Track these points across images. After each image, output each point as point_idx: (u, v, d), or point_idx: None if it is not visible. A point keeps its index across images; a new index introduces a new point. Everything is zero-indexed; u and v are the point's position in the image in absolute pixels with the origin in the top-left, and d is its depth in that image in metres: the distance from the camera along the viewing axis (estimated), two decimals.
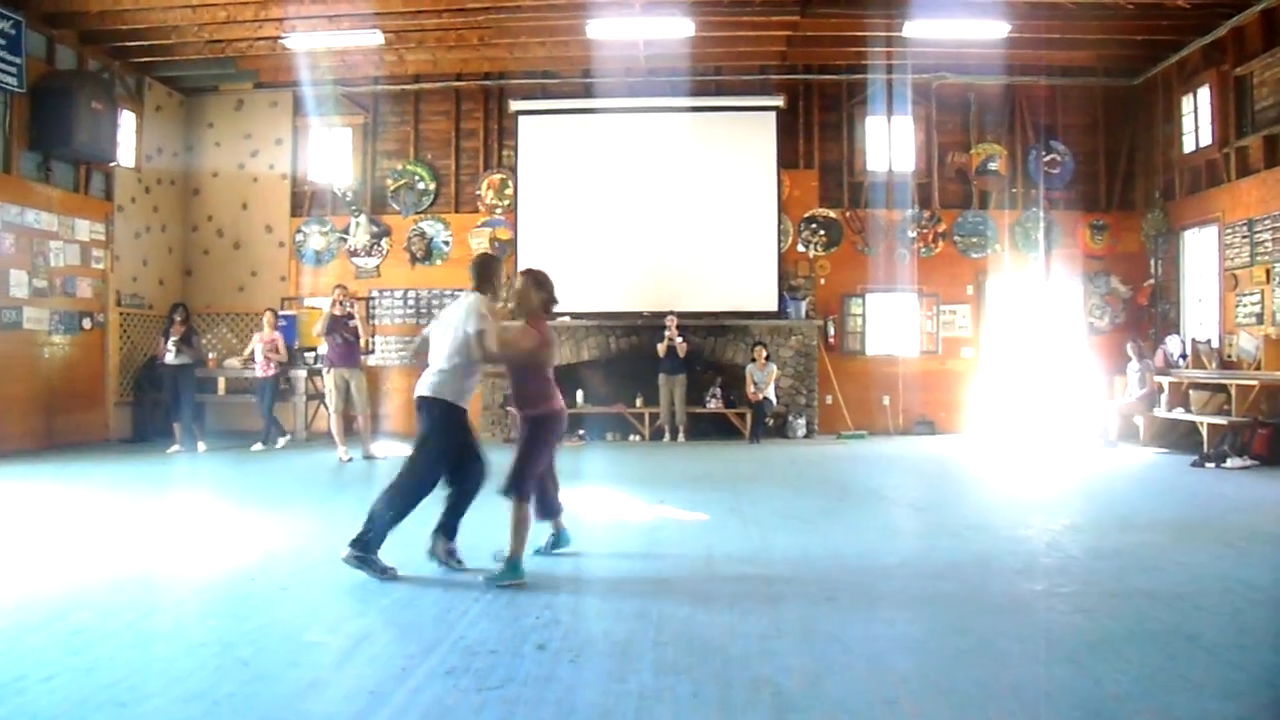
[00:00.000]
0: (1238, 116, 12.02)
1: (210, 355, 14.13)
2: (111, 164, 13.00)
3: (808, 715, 3.34)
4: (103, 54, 12.87)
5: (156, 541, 6.55)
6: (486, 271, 5.73)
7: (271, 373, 12.32)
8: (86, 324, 12.67)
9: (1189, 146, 13.17)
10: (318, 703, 3.51)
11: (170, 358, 11.88)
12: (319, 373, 13.08)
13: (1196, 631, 4.30)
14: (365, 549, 5.26)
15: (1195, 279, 13.38)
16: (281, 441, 12.59)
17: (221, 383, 13.71)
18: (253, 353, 12.37)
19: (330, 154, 15.14)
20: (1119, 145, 14.57)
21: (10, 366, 11.36)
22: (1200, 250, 13.21)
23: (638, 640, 4.20)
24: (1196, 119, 12.97)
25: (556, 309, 5.76)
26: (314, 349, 13.38)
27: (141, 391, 13.43)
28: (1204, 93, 12.74)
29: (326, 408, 11.84)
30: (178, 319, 12.01)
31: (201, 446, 11.87)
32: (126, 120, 13.53)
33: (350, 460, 10.97)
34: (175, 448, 11.78)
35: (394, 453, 11.71)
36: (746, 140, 14.44)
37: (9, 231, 11.32)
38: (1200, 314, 13.17)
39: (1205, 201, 12.79)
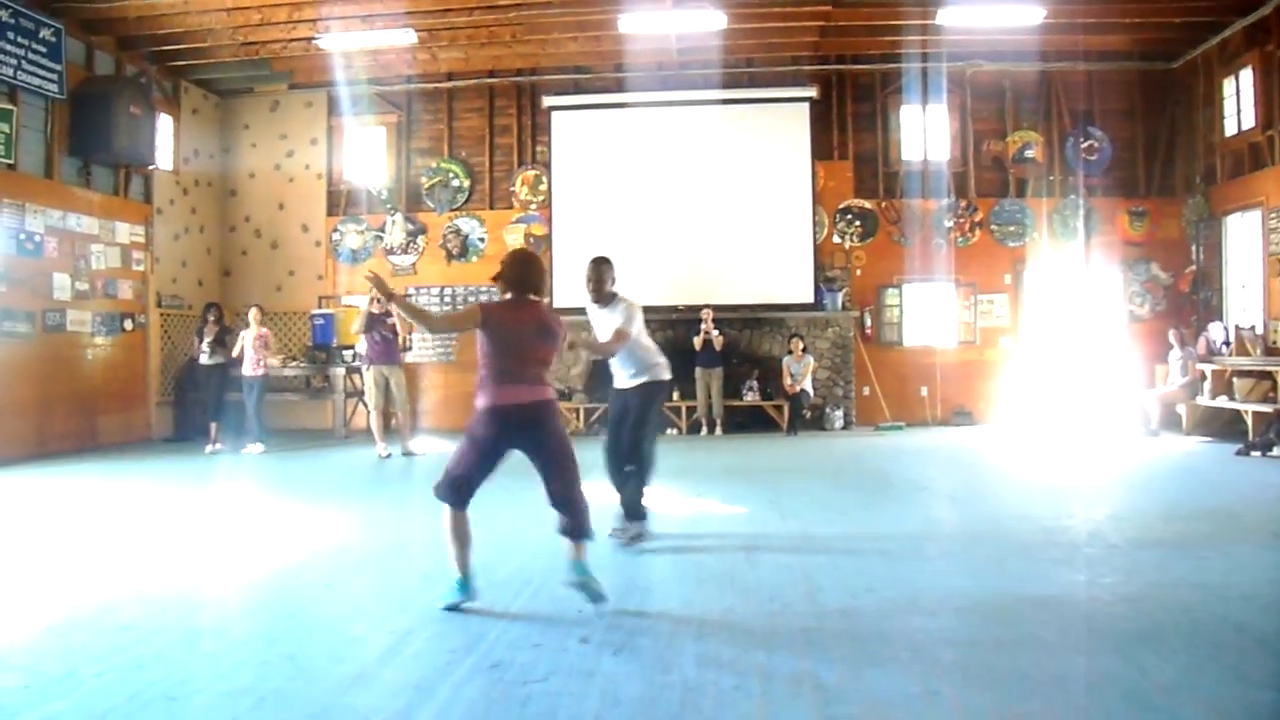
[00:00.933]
0: None
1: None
2: (150, 167, 13.16)
3: (850, 707, 3.34)
4: (140, 59, 13.03)
5: (199, 539, 6.65)
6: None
7: (260, 372, 12.01)
8: (128, 325, 12.84)
9: (1230, 130, 12.95)
10: (363, 697, 3.54)
11: (205, 358, 12.03)
12: (357, 370, 13.18)
13: (1244, 622, 4.25)
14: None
15: (1238, 265, 13.16)
16: (252, 448, 11.92)
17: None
18: (242, 350, 11.92)
19: (365, 153, 15.23)
20: (1158, 130, 14.36)
21: (55, 368, 11.54)
22: (1243, 235, 12.99)
23: (680, 633, 4.22)
24: (1239, 101, 12.74)
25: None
26: (352, 347, 13.46)
27: (182, 391, 13.59)
28: (1246, 74, 12.51)
29: (365, 405, 11.93)
30: (211, 319, 12.14)
31: (259, 447, 11.84)
32: (164, 124, 13.68)
33: (389, 457, 11.06)
34: (213, 447, 11.85)
35: (433, 449, 11.80)
36: (780, 132, 14.38)
37: (51, 235, 11.50)
38: (1243, 300, 12.96)
39: (1248, 186, 12.58)
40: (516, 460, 4.71)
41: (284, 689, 3.61)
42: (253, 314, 12.21)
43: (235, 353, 11.94)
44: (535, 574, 5.31)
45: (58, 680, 3.70)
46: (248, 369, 11.95)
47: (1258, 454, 10.06)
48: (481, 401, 4.64)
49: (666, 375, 6.42)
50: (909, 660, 3.80)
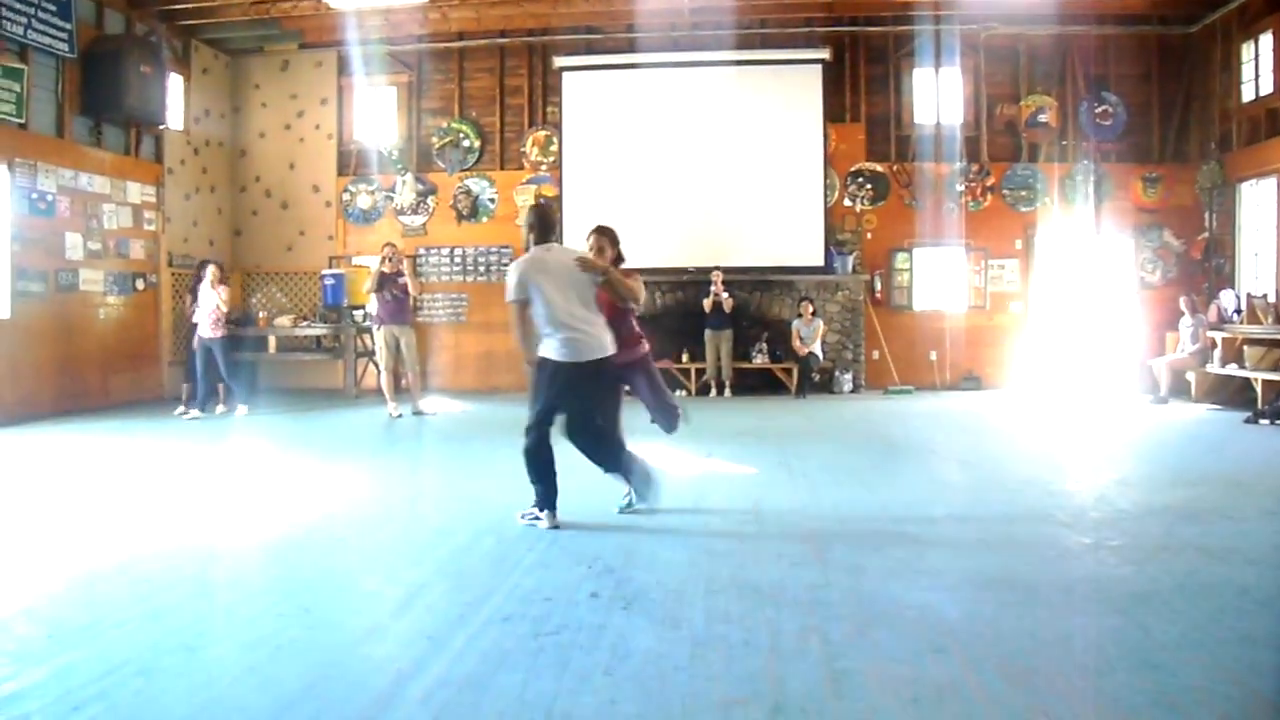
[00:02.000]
0: None
1: (261, 315, 14.34)
2: (160, 127, 13.14)
3: (857, 663, 3.40)
4: (150, 18, 12.96)
5: (215, 495, 6.72)
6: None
7: (220, 333, 11.35)
8: (140, 285, 12.89)
9: (1248, 96, 12.82)
10: (378, 648, 3.62)
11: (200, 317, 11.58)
12: (368, 330, 13.23)
13: (1247, 585, 4.29)
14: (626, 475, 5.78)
15: (1252, 232, 13.08)
16: (193, 412, 11.35)
17: (272, 341, 13.88)
18: (194, 312, 11.49)
19: (375, 113, 15.19)
20: (1173, 95, 14.23)
21: (68, 327, 11.61)
22: (1258, 203, 12.90)
23: (689, 589, 4.27)
24: (1257, 67, 12.60)
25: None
26: (363, 307, 13.49)
27: (192, 351, 13.53)
28: (1266, 39, 12.36)
29: (376, 365, 11.98)
30: (205, 276, 11.60)
31: (242, 409, 11.51)
32: (174, 83, 13.64)
33: (400, 416, 11.12)
34: (185, 410, 11.40)
35: (443, 408, 11.88)
36: (792, 94, 14.28)
37: (64, 195, 11.52)
38: (1256, 268, 12.90)
39: (1265, 152, 12.47)
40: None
41: (300, 640, 3.68)
42: (211, 273, 11.43)
43: (190, 314, 11.54)
44: (545, 532, 5.36)
45: (80, 630, 3.77)
46: (205, 330, 11.34)
47: (1266, 422, 10.06)
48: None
49: None
50: (915, 618, 3.85)
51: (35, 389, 11.04)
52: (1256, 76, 12.60)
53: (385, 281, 11.18)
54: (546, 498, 5.45)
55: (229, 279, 12.39)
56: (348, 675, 3.34)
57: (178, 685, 3.25)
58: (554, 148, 14.78)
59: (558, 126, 14.70)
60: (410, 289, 11.36)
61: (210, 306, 11.30)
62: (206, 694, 3.18)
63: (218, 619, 3.98)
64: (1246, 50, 12.81)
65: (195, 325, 11.59)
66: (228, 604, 4.20)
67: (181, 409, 11.51)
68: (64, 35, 11.14)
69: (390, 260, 11.27)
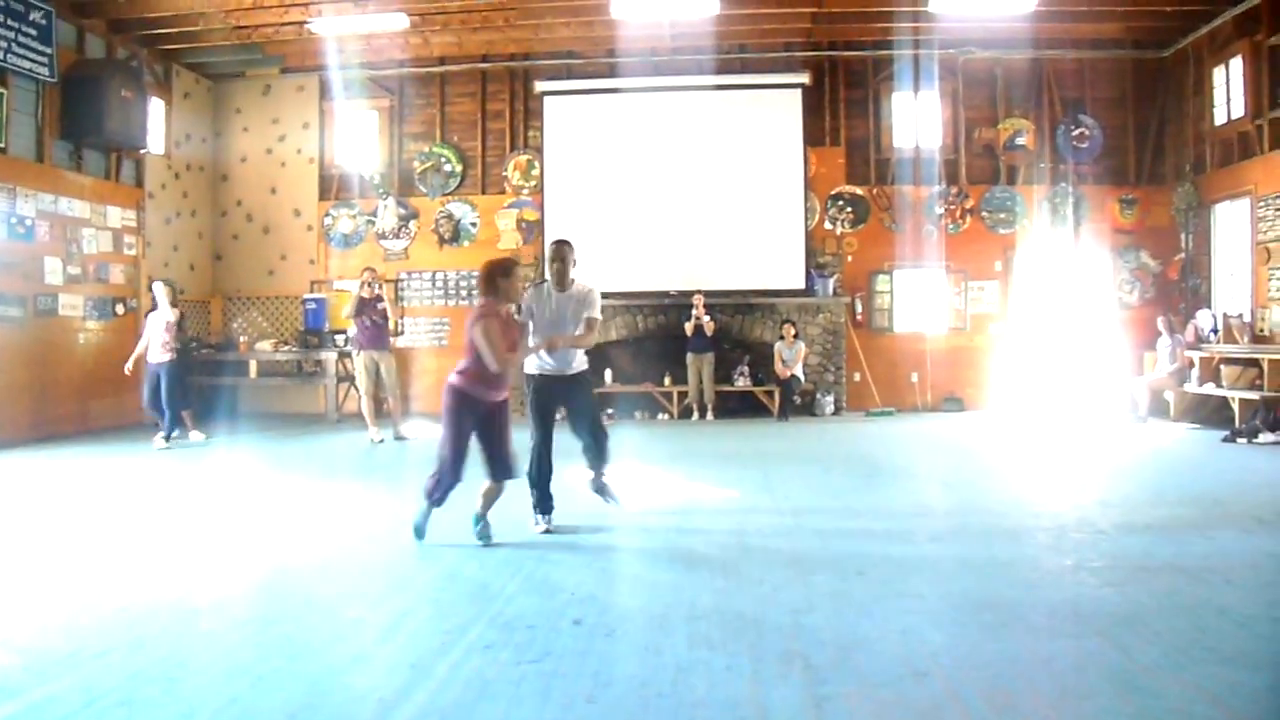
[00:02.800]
0: (1271, 87, 11.81)
1: (242, 339, 14.29)
2: (141, 151, 13.11)
3: (840, 687, 3.40)
4: (131, 42, 12.97)
5: (196, 521, 6.67)
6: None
7: (168, 357, 10.77)
8: (119, 309, 12.83)
9: (1220, 119, 13.00)
10: (361, 677, 3.60)
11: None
12: (349, 355, 13.19)
13: (1227, 605, 4.32)
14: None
15: (1226, 253, 13.23)
16: (166, 439, 10.76)
17: (253, 366, 13.84)
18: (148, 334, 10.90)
19: (357, 138, 15.21)
20: (1148, 118, 14.41)
21: (47, 352, 11.54)
22: (1232, 224, 13.05)
23: (672, 615, 4.27)
24: (1229, 91, 12.78)
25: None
26: (344, 331, 13.47)
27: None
28: (1236, 64, 12.55)
29: (357, 390, 11.95)
30: (157, 297, 11.29)
31: (197, 435, 11.28)
32: (155, 107, 13.63)
33: (382, 441, 11.09)
34: (163, 441, 10.84)
35: (425, 433, 11.83)
36: (772, 118, 14.39)
37: (43, 219, 11.47)
38: (1232, 288, 13.04)
39: (1237, 174, 12.64)
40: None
41: (283, 669, 3.66)
42: (161, 291, 10.93)
43: (141, 347, 10.82)
44: (528, 559, 5.35)
45: (59, 660, 3.74)
46: (155, 355, 10.76)
47: (1244, 441, 10.16)
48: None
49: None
50: (898, 642, 3.86)
51: (12, 415, 10.95)
52: (1228, 100, 12.77)
53: (364, 307, 11.17)
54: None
55: (179, 300, 11.74)
56: (330, 705, 3.33)
57: (159, 716, 3.22)
58: (535, 172, 14.81)
59: (539, 151, 14.74)
60: (389, 314, 11.35)
61: (160, 329, 10.74)
62: None
63: (199, 647, 3.96)
64: (1218, 74, 12.99)
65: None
66: (209, 632, 4.17)
67: (160, 439, 11.29)
68: (44, 59, 11.12)
69: (369, 285, 11.26)
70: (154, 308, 11.12)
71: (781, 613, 4.29)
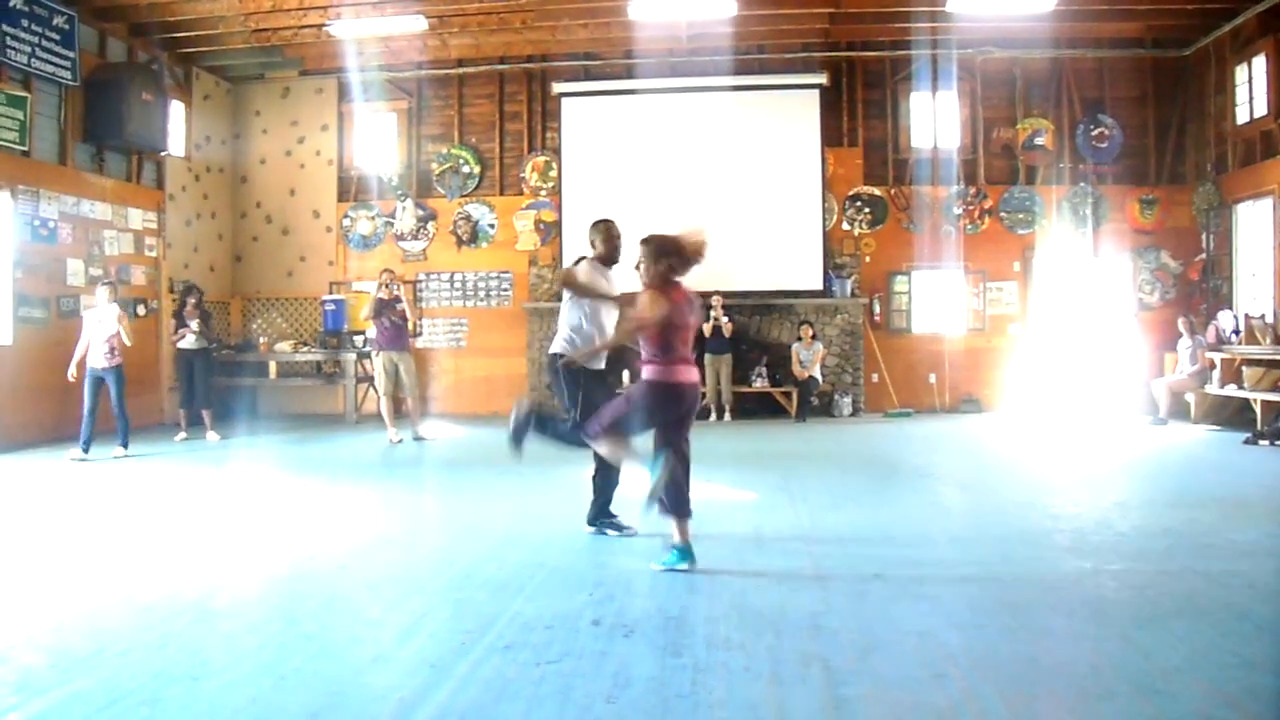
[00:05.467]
0: None
1: (262, 340, 14.38)
2: (162, 153, 13.22)
3: (858, 689, 3.40)
4: (152, 45, 13.06)
5: (217, 522, 6.73)
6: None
7: (116, 361, 10.10)
8: (141, 311, 12.92)
9: (1242, 118, 12.91)
10: (381, 676, 3.62)
11: (190, 342, 11.74)
12: (368, 356, 13.25)
13: (1248, 609, 4.30)
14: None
15: (1249, 253, 13.14)
16: (124, 447, 10.26)
17: (273, 367, 13.94)
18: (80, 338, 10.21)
19: (376, 139, 15.27)
20: (1169, 118, 14.33)
21: (70, 353, 11.50)
22: (1254, 224, 12.96)
23: (690, 616, 4.28)
24: (1251, 89, 12.69)
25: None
26: (363, 332, 13.53)
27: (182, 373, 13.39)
28: (1259, 62, 12.45)
29: (376, 390, 12.00)
30: (191, 302, 11.89)
31: (213, 436, 11.52)
32: (176, 110, 13.72)
33: (400, 442, 11.13)
34: (183, 435, 11.56)
35: (444, 434, 11.88)
36: (790, 119, 14.38)
37: (65, 222, 11.57)
38: (1254, 289, 12.95)
39: (1260, 174, 12.55)
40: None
41: (304, 668, 3.69)
42: (103, 294, 10.30)
43: (81, 352, 10.04)
44: (548, 559, 5.37)
45: (83, 659, 3.78)
46: (99, 360, 10.03)
47: (1265, 443, 10.08)
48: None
49: None
50: (916, 644, 3.86)
51: (36, 415, 11.04)
52: (1251, 99, 12.68)
53: (383, 308, 11.23)
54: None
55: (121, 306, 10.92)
56: (351, 704, 3.35)
57: (182, 716, 3.25)
58: (553, 173, 14.85)
59: (557, 152, 14.78)
60: (408, 315, 11.41)
61: (109, 332, 10.04)
62: None
63: (221, 647, 3.98)
64: (1240, 73, 12.90)
65: (182, 348, 11.78)
66: (231, 632, 4.21)
67: (182, 434, 11.59)
68: (67, 63, 11.23)
69: (388, 287, 11.32)
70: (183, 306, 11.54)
71: (800, 614, 4.29)
